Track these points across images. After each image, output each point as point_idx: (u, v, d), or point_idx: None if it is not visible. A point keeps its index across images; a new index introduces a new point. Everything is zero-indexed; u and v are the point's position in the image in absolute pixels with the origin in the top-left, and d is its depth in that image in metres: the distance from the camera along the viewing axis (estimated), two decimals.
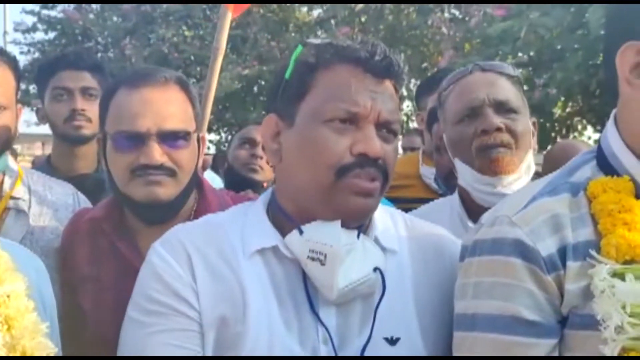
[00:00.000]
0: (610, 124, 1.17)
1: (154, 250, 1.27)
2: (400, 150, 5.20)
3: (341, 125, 1.19)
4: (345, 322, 1.22)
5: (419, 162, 2.84)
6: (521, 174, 1.66)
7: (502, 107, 1.68)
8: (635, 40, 1.09)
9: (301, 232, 1.21)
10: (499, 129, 1.65)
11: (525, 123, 1.71)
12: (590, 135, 9.84)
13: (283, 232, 1.25)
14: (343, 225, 1.21)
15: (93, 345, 1.61)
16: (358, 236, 1.22)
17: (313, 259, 1.19)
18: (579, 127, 8.87)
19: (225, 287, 1.21)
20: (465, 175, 1.73)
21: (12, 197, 1.85)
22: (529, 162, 1.70)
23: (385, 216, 1.34)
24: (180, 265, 1.22)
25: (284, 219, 1.26)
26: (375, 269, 1.21)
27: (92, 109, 2.36)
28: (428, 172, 2.78)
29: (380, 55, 1.22)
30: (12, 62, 1.83)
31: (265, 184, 2.85)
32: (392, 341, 1.22)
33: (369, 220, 1.29)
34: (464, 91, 1.73)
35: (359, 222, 1.24)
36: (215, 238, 1.26)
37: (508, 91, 1.71)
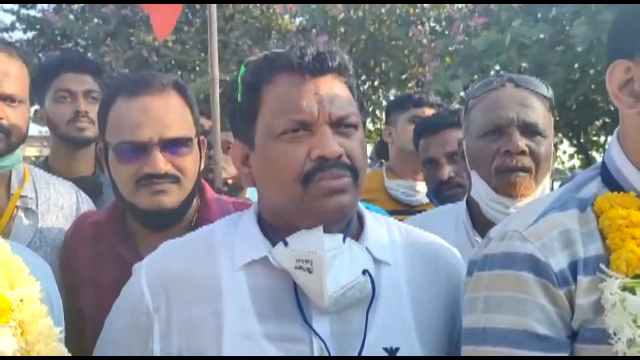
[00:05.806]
0: (613, 140, 1.18)
1: (135, 275, 1.29)
2: None
3: (294, 134, 1.19)
4: (340, 331, 1.20)
5: (383, 177, 2.90)
6: (536, 197, 1.64)
7: (529, 129, 1.67)
8: (623, 59, 1.10)
9: (286, 243, 1.21)
10: (522, 152, 1.64)
11: (549, 146, 1.70)
12: (565, 149, 9.99)
13: (273, 242, 1.25)
14: (326, 230, 1.20)
15: (92, 348, 1.60)
16: (344, 240, 1.22)
17: (301, 268, 1.19)
18: (556, 140, 9.01)
19: (198, 315, 1.21)
20: (480, 189, 1.72)
21: (20, 196, 1.84)
22: (546, 184, 1.70)
23: (378, 227, 1.33)
24: (153, 298, 1.24)
25: (271, 231, 1.27)
26: (364, 272, 1.21)
27: (94, 111, 2.38)
28: (394, 185, 2.84)
29: (311, 54, 1.20)
30: (28, 59, 1.85)
31: (230, 180, 2.87)
32: (392, 351, 1.21)
33: (361, 231, 1.29)
34: (493, 106, 1.71)
35: (341, 222, 1.24)
36: (201, 257, 1.26)
37: (538, 113, 1.69)
